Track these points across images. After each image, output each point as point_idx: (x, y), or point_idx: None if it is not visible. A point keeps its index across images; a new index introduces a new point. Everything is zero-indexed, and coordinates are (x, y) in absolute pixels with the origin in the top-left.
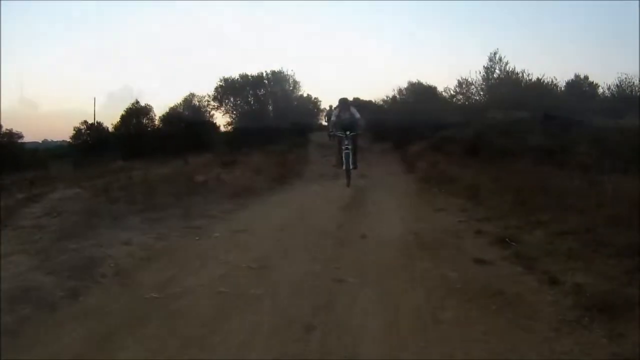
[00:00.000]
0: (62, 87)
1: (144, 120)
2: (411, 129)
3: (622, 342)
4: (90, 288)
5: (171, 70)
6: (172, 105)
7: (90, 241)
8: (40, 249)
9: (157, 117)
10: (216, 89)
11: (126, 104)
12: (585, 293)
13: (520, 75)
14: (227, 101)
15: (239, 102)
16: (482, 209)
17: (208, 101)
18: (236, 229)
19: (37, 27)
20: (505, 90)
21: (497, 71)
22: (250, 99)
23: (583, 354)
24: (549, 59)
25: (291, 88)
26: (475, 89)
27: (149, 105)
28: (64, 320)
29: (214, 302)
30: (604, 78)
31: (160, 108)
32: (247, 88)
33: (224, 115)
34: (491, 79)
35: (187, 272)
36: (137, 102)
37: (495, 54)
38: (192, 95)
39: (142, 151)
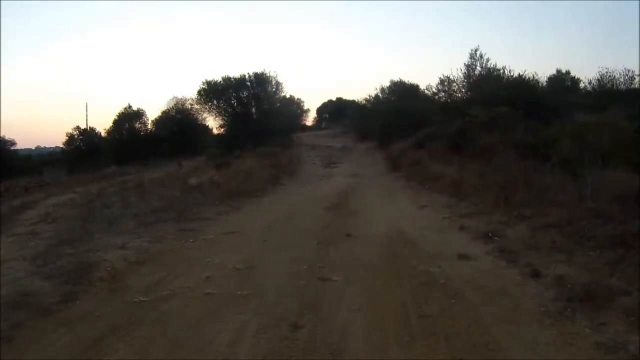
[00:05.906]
0: (54, 93)
1: (137, 125)
2: (395, 128)
3: (604, 331)
4: (87, 292)
5: (164, 73)
6: (164, 109)
7: (86, 246)
8: (37, 254)
9: (149, 121)
10: (199, 91)
11: (119, 108)
12: (567, 285)
13: (502, 71)
14: (210, 104)
15: (222, 104)
16: (466, 205)
17: (191, 104)
18: (227, 231)
19: (28, 34)
20: (487, 87)
21: (478, 68)
22: (233, 101)
23: (566, 344)
24: (530, 55)
25: (274, 89)
26: (457, 86)
27: (141, 110)
28: (60, 324)
29: (203, 303)
30: (586, 72)
31: (152, 112)
32: (230, 90)
33: (215, 118)
34: (472, 76)
35: (176, 274)
36: (130, 106)
37: (476, 51)
38: (182, 99)
39: (135, 155)
